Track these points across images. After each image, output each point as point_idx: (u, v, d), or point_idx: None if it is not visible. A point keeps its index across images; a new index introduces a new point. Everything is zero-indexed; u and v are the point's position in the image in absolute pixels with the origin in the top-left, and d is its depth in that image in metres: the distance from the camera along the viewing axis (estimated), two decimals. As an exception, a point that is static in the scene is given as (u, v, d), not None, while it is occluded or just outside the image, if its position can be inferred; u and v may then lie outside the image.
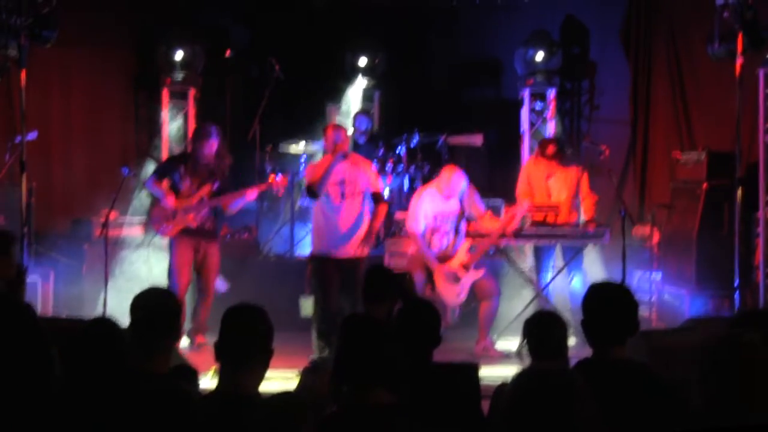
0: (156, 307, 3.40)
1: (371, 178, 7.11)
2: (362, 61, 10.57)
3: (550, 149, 8.06)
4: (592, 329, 3.43)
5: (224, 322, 3.17)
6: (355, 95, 10.63)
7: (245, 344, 3.11)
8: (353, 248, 6.99)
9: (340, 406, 3.04)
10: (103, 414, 3.16)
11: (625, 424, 3.06)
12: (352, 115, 10.09)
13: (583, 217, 7.91)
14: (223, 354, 3.13)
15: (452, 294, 7.34)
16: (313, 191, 6.97)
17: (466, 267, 7.34)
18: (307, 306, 7.21)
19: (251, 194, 7.55)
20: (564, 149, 8.14)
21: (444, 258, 7.38)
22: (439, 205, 7.37)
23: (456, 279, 7.34)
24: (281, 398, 3.12)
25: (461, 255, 7.39)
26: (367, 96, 10.70)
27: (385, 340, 3.08)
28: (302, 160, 9.64)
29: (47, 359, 3.25)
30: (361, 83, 10.61)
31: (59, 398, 3.27)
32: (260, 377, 3.17)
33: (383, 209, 7.16)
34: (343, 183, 6.96)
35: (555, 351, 3.77)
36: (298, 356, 6.86)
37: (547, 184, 8.03)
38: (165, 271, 7.68)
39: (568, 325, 3.83)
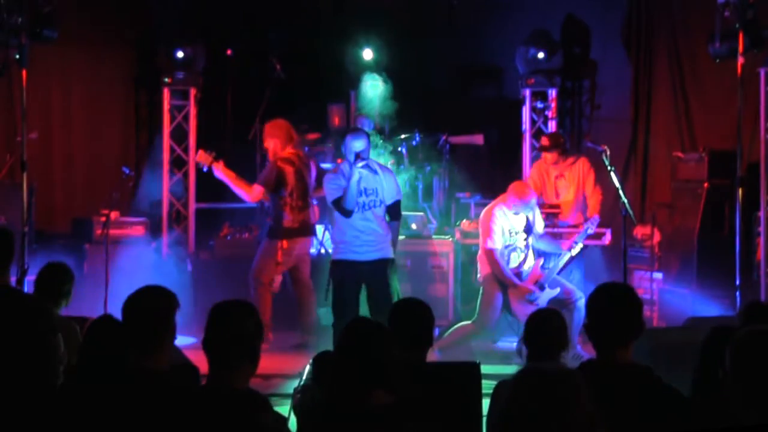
0: (150, 307, 3.39)
1: (393, 187, 6.56)
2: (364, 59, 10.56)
3: (543, 141, 8.12)
4: (596, 331, 3.36)
5: (210, 318, 3.14)
6: (356, 95, 10.62)
7: (230, 341, 3.07)
8: (378, 252, 6.48)
9: (339, 406, 3.03)
10: (101, 410, 3.16)
11: (627, 427, 3.05)
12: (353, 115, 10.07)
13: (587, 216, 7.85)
14: (209, 350, 3.10)
15: (527, 314, 6.94)
16: (344, 209, 6.39)
17: (539, 285, 6.94)
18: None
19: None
20: (560, 143, 8.01)
21: (517, 276, 7.00)
22: (511, 220, 7.01)
23: (532, 298, 6.92)
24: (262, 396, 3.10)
25: (535, 272, 7.02)
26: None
27: (384, 342, 3.06)
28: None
29: (49, 352, 3.25)
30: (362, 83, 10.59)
31: (61, 394, 3.28)
32: (248, 374, 3.13)
33: (397, 226, 6.66)
34: (362, 193, 6.39)
35: (552, 351, 3.76)
36: (300, 356, 6.87)
37: (556, 183, 8.01)
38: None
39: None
